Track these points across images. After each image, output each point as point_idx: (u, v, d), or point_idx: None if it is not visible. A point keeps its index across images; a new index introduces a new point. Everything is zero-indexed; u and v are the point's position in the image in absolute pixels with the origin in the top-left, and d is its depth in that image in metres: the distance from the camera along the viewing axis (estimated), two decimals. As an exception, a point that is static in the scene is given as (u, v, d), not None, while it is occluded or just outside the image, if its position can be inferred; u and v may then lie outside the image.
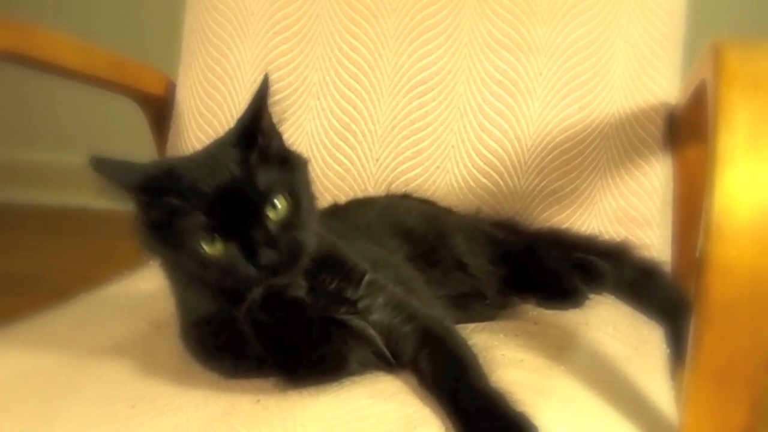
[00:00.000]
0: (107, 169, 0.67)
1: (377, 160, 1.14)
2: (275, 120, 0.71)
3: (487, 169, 1.13)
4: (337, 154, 1.15)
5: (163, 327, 0.85)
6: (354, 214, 0.96)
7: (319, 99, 1.17)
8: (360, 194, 1.13)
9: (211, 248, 0.66)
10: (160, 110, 1.26)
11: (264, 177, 0.67)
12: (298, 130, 1.16)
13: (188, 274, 0.69)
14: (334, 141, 1.16)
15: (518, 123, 1.13)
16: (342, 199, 1.10)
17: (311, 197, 0.74)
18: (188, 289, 0.72)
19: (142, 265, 1.07)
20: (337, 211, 0.97)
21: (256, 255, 0.65)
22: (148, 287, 0.99)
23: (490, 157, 1.13)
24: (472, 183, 1.13)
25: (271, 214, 0.67)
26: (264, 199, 0.67)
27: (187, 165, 0.69)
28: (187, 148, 1.19)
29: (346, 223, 0.90)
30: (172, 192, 0.66)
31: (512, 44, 1.14)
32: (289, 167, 0.71)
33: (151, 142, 1.28)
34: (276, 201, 0.68)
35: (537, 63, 1.13)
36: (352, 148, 1.15)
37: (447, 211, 1.06)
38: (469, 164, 1.13)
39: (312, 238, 0.71)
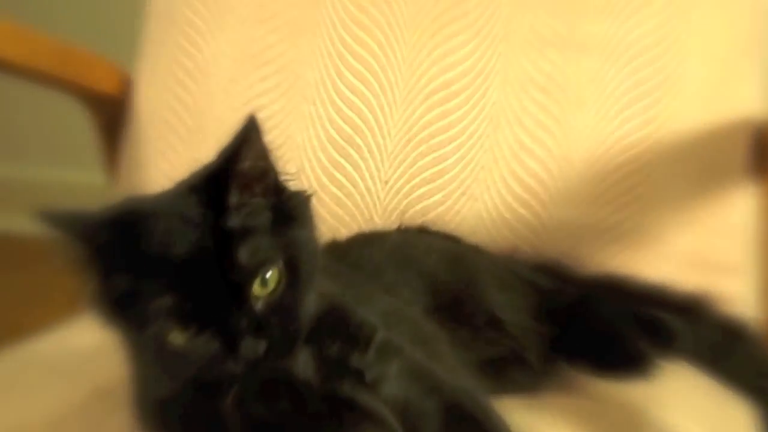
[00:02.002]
0: (58, 221, 0.65)
1: (387, 182, 1.13)
2: (269, 161, 0.70)
3: (527, 196, 1.12)
4: (337, 175, 1.14)
5: (110, 396, 0.82)
6: (358, 253, 0.95)
7: (314, 104, 1.16)
8: (365, 227, 1.12)
9: (182, 337, 0.65)
10: (112, 114, 1.25)
11: (248, 247, 0.66)
12: (287, 143, 1.15)
13: (153, 359, 0.68)
14: (333, 158, 1.14)
15: (566, 139, 1.12)
16: (342, 232, 1.09)
17: (314, 253, 0.72)
18: (149, 369, 0.72)
19: (82, 309, 1.05)
20: (336, 249, 0.96)
21: (239, 346, 0.65)
22: (89, 341, 0.94)
23: (531, 181, 1.12)
24: (507, 214, 1.12)
25: (258, 290, 0.66)
26: (248, 276, 0.66)
27: (150, 217, 0.67)
28: (147, 166, 1.18)
29: (348, 266, 0.88)
30: (132, 256, 0.65)
31: (559, 41, 1.14)
32: (287, 221, 0.69)
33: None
34: (265, 275, 0.66)
35: (590, 65, 1.13)
36: (356, 166, 1.14)
37: (476, 251, 1.05)
38: (503, 190, 1.12)
39: (312, 305, 0.70)
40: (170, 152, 1.18)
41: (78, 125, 1.32)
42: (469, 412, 0.71)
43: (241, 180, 0.67)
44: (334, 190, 1.14)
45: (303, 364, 0.69)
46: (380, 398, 0.71)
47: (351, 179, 1.14)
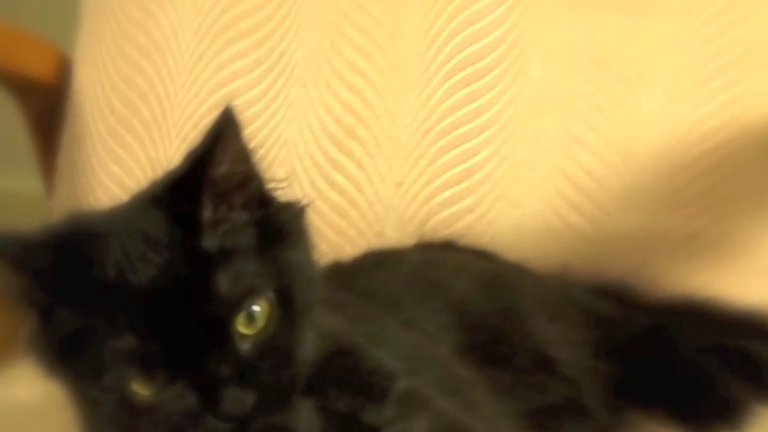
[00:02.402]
0: None
1: (400, 184, 1.13)
2: (250, 165, 0.70)
3: (580, 199, 1.12)
4: (337, 177, 1.14)
5: None
6: (368, 278, 0.95)
7: (305, 87, 1.16)
8: (375, 243, 1.11)
9: (148, 388, 0.65)
10: (46, 105, 1.25)
11: (228, 273, 0.66)
12: (272, 138, 1.15)
13: (110, 417, 0.68)
14: (331, 156, 1.15)
15: (629, 125, 1.12)
16: (345, 250, 1.09)
17: (311, 279, 0.72)
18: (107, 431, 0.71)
19: (17, 355, 1.00)
20: (340, 274, 0.95)
21: (220, 399, 0.64)
22: (28, 397, 0.95)
23: (585, 180, 1.12)
24: (555, 222, 1.12)
25: (243, 328, 0.66)
26: (229, 310, 0.66)
27: (103, 237, 0.67)
28: (92, 170, 1.18)
29: (356, 295, 0.88)
30: (81, 286, 0.65)
31: (617, 0, 1.14)
32: (277, 240, 0.70)
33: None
34: (251, 308, 0.67)
35: (657, 29, 1.12)
36: (360, 166, 1.14)
37: (517, 271, 1.05)
38: (550, 192, 1.12)
39: (312, 345, 0.71)
40: (122, 152, 1.18)
41: (2, 120, 1.32)
42: None
43: (217, 189, 0.67)
44: (335, 197, 1.14)
45: (305, 421, 0.69)
46: None
47: (355, 182, 1.14)
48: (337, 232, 1.14)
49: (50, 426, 0.82)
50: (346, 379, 0.73)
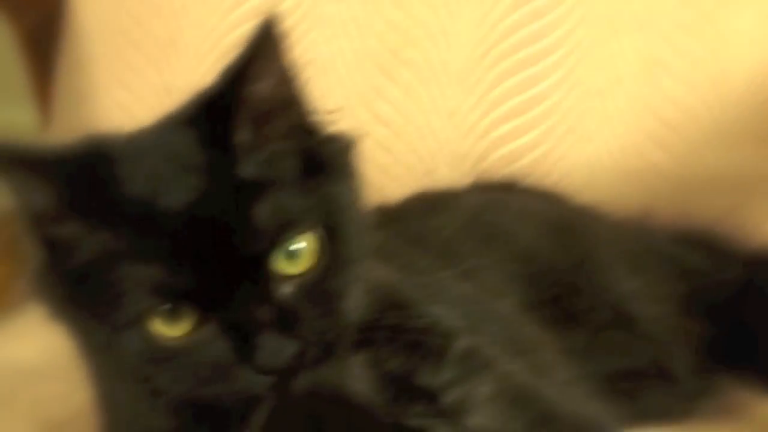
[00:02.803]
0: (5, 154, 0.66)
1: (453, 114, 1.14)
2: (294, 88, 0.71)
3: (663, 133, 1.13)
4: (380, 106, 1.15)
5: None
6: (419, 223, 0.96)
7: (343, 1, 1.16)
8: (425, 182, 1.12)
9: (173, 328, 0.66)
10: (41, 24, 1.27)
11: (268, 203, 0.67)
12: (305, 60, 1.13)
13: (128, 367, 0.69)
14: (374, 81, 1.15)
15: (721, 47, 1.12)
16: (391, 190, 1.08)
17: (362, 219, 0.73)
18: (126, 388, 0.72)
19: (15, 306, 1.06)
20: (387, 217, 0.94)
21: (256, 348, 0.65)
22: (28, 353, 0.98)
23: (669, 110, 1.13)
24: (634, 160, 1.12)
25: (285, 267, 0.67)
26: (269, 244, 0.67)
27: (131, 156, 0.68)
28: (95, 96, 1.19)
29: (406, 241, 0.90)
30: (103, 207, 0.66)
31: None
32: (322, 173, 0.71)
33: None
34: (293, 245, 0.68)
35: None
36: (408, 92, 1.15)
37: (591, 216, 1.05)
38: (628, 124, 1.13)
39: (361, 295, 0.72)
40: (130, 76, 1.19)
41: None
42: None
43: (255, 111, 0.68)
44: (379, 129, 1.15)
45: (358, 379, 0.71)
46: (465, 430, 0.72)
47: (402, 112, 1.14)
48: (382, 170, 1.14)
49: (52, 387, 0.86)
50: (399, 336, 0.73)
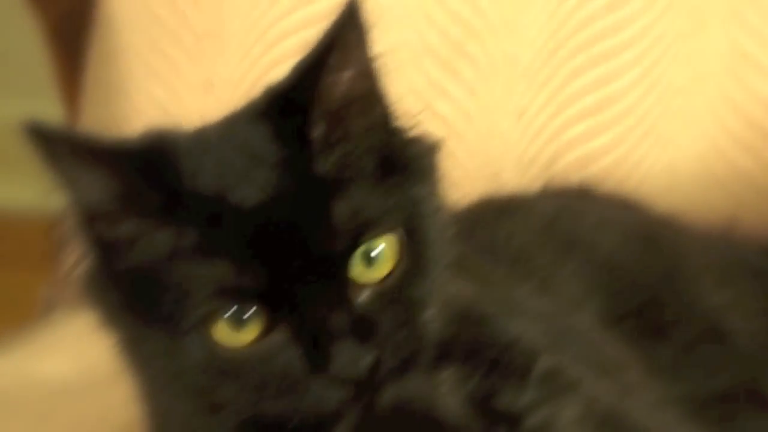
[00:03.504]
0: (58, 137, 0.66)
1: (521, 115, 1.13)
2: (376, 81, 0.71)
3: (752, 137, 1.12)
4: (440, 105, 1.14)
5: None
6: (489, 231, 0.95)
7: None
8: (484, 188, 1.09)
9: (239, 334, 0.66)
10: (69, 12, 1.26)
11: (347, 202, 0.68)
12: None
13: (187, 379, 0.69)
14: (433, 77, 1.14)
15: None
16: (453, 196, 1.07)
17: (444, 226, 0.74)
18: (180, 400, 0.72)
19: (51, 309, 1.09)
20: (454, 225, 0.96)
21: (331, 356, 0.65)
22: (63, 368, 0.98)
23: (760, 112, 1.12)
24: (719, 165, 1.12)
25: (363, 272, 0.68)
26: (347, 245, 0.67)
27: (198, 149, 0.70)
28: (128, 92, 1.19)
29: (476, 250, 0.88)
30: (168, 201, 0.67)
31: None
32: (403, 175, 0.71)
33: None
34: (373, 248, 0.68)
35: None
36: (470, 90, 1.14)
37: (673, 226, 1.04)
38: (713, 127, 1.12)
39: (439, 305, 0.72)
40: (165, 69, 1.19)
41: (18, 34, 1.33)
42: None
43: (332, 106, 0.68)
44: (438, 129, 1.09)
45: (448, 398, 0.70)
46: None
47: (464, 112, 1.14)
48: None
49: (91, 407, 0.87)
50: (477, 353, 0.74)
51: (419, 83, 1.15)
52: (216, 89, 1.13)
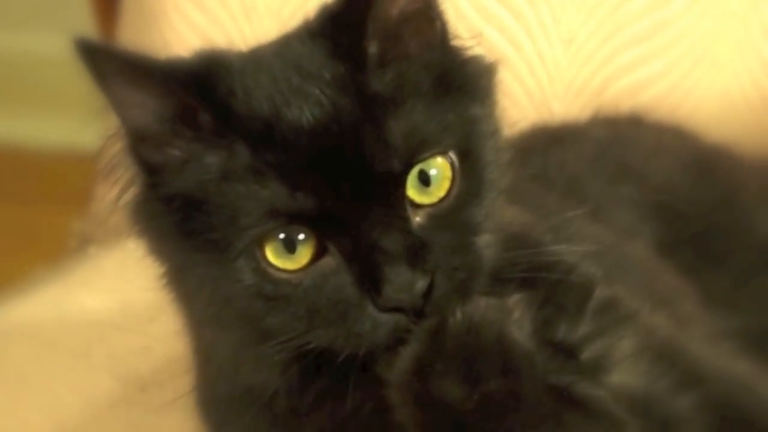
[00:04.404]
0: (107, 55, 0.65)
1: (570, 41, 1.12)
2: (431, 2, 0.72)
3: None
4: (487, 30, 1.12)
5: (153, 389, 0.86)
6: (541, 159, 0.96)
7: None
8: (536, 115, 1.11)
9: (291, 259, 0.66)
10: None
11: (401, 120, 0.67)
12: None
13: (236, 306, 0.69)
14: (481, 2, 1.13)
15: None
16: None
17: (500, 147, 0.74)
18: (228, 331, 0.72)
19: (85, 244, 1.09)
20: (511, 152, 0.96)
21: (384, 280, 0.65)
22: (102, 303, 0.99)
23: None
24: None
25: (417, 195, 0.68)
26: (402, 164, 0.67)
27: (253, 68, 0.69)
28: (165, 20, 1.19)
29: (529, 178, 0.89)
30: (221, 121, 0.67)
31: None
32: (458, 95, 0.71)
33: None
34: (428, 168, 0.68)
35: None
36: (518, 15, 1.13)
37: (728, 155, 1.04)
38: None
39: (494, 230, 0.72)
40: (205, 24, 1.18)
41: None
42: (748, 413, 0.73)
43: (386, 23, 0.68)
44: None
45: (519, 323, 0.69)
46: (606, 390, 0.72)
47: (511, 38, 1.13)
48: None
49: (130, 341, 0.88)
50: (532, 283, 0.73)
51: (466, 7, 1.13)
52: (257, 15, 1.12)
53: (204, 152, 0.67)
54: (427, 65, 0.70)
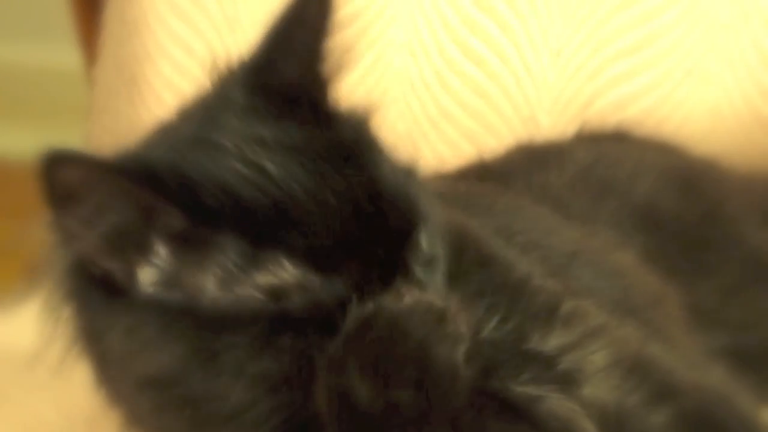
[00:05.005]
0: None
1: (559, 53, 1.13)
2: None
3: None
4: (473, 42, 1.13)
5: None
6: (524, 181, 0.96)
7: None
8: (519, 130, 1.12)
9: None
10: None
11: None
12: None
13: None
14: (466, 13, 1.13)
15: None
16: (485, 139, 1.10)
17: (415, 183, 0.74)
18: None
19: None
20: (488, 174, 0.98)
21: None
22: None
23: None
24: (765, 106, 1.12)
25: None
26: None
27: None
28: (145, 58, 1.19)
29: (509, 197, 0.91)
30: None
31: None
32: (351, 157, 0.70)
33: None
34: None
35: None
36: (505, 27, 1.13)
37: (716, 171, 1.04)
38: (758, 66, 1.11)
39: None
40: (191, 7, 1.18)
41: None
42: (724, 427, 0.73)
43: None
44: (471, 69, 1.13)
45: (453, 335, 0.67)
46: (577, 403, 0.72)
47: (498, 50, 1.13)
48: (473, 116, 1.14)
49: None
50: (501, 296, 0.74)
51: (452, 18, 1.13)
52: (241, 27, 1.12)
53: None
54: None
